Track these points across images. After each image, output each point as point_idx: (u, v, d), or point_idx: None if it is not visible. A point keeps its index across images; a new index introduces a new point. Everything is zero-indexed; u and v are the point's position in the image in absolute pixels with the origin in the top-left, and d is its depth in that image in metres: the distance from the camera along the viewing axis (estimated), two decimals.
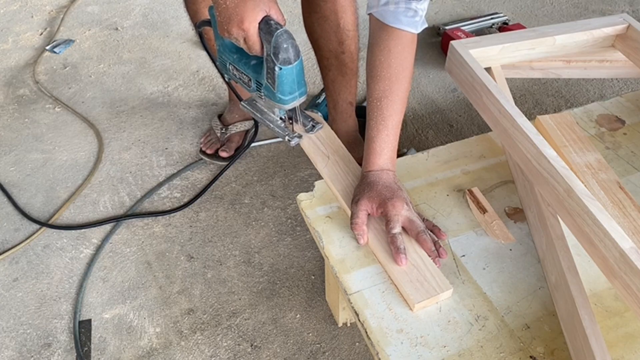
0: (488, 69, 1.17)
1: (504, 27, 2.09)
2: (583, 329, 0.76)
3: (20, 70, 1.97)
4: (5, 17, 2.25)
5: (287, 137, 1.12)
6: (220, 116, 1.67)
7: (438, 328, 0.84)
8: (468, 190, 1.04)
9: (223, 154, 1.58)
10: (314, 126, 1.15)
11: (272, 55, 0.95)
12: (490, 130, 1.13)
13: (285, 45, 0.94)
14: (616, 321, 0.84)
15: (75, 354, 1.19)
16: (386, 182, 0.98)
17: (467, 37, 1.92)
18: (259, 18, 0.93)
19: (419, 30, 1.05)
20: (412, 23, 1.03)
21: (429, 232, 0.95)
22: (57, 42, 2.08)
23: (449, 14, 2.19)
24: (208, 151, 1.60)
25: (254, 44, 0.95)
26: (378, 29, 1.05)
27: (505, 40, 1.19)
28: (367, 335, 0.84)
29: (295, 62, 0.98)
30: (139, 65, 1.99)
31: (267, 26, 0.94)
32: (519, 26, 2.04)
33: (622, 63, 1.28)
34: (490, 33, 1.91)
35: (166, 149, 1.66)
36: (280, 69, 0.97)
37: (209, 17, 1.06)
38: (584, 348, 0.76)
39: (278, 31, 0.93)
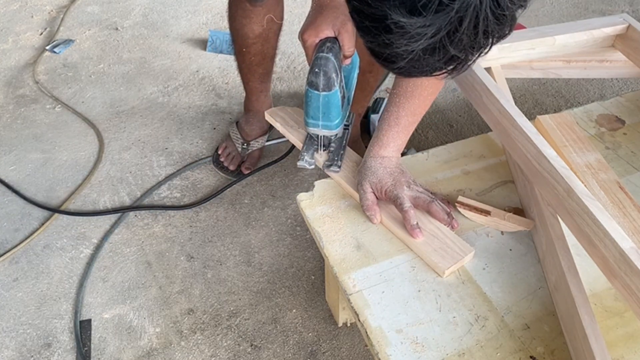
0: (488, 69, 1.17)
1: None
2: (583, 329, 0.76)
3: (20, 70, 1.97)
4: (5, 17, 2.24)
5: (299, 155, 1.07)
6: (237, 123, 1.61)
7: (438, 328, 0.84)
8: (457, 202, 1.01)
9: (246, 171, 1.55)
10: (330, 165, 1.05)
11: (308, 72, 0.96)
12: (490, 130, 1.13)
13: (316, 70, 0.93)
14: (616, 321, 0.84)
15: (75, 354, 1.19)
16: (387, 167, 0.99)
17: None
18: (322, 36, 0.93)
19: None
20: None
21: (439, 202, 0.97)
22: (57, 42, 2.08)
23: None
24: (231, 167, 1.55)
25: (307, 56, 0.97)
26: None
27: (505, 40, 1.19)
28: (367, 335, 0.84)
29: (323, 92, 0.96)
30: (139, 65, 1.99)
31: (321, 46, 0.93)
32: (519, 26, 2.02)
33: (622, 63, 1.28)
34: None
35: (166, 148, 1.66)
36: (307, 89, 0.97)
37: None
38: (584, 348, 0.76)
39: (320, 54, 0.92)
